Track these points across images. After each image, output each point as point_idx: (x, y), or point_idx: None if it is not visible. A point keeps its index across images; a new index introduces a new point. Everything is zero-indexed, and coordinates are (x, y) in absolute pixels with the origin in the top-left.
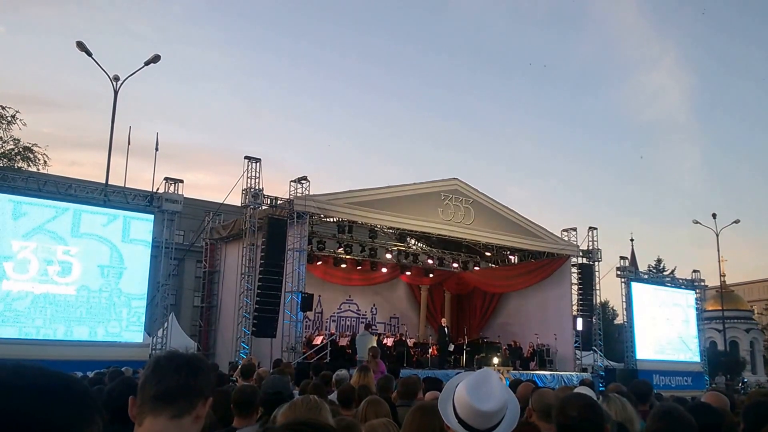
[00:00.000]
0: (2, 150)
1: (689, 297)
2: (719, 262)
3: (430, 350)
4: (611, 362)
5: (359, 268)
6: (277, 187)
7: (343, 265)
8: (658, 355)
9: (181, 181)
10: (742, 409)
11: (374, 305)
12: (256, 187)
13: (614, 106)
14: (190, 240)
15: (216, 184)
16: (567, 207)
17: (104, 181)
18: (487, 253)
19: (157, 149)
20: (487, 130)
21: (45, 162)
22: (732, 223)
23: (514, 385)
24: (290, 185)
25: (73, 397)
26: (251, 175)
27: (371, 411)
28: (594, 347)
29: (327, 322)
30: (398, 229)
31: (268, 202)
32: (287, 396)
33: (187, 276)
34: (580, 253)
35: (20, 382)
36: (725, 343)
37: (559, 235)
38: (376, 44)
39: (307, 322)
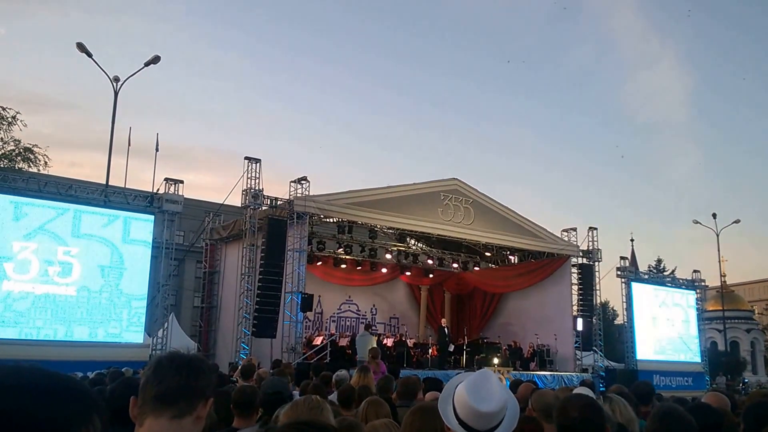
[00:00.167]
0: (3, 151)
1: (689, 297)
2: (719, 262)
3: (430, 351)
4: (611, 363)
5: (359, 268)
6: (277, 187)
7: (343, 266)
8: (659, 355)
9: (182, 182)
10: (742, 410)
11: (374, 305)
12: (256, 188)
13: (614, 106)
14: (190, 240)
15: (216, 185)
16: (567, 207)
17: (104, 182)
18: (487, 253)
19: (157, 150)
20: (487, 130)
21: (45, 163)
22: (732, 223)
23: (514, 385)
24: (290, 186)
25: (72, 397)
26: (251, 176)
27: (372, 411)
28: (594, 347)
29: (327, 322)
30: (398, 229)
31: (268, 203)
32: (287, 396)
33: (187, 276)
34: (580, 254)
35: (18, 381)
36: (726, 344)
37: (559, 235)
38: (377, 45)
39: (307, 322)
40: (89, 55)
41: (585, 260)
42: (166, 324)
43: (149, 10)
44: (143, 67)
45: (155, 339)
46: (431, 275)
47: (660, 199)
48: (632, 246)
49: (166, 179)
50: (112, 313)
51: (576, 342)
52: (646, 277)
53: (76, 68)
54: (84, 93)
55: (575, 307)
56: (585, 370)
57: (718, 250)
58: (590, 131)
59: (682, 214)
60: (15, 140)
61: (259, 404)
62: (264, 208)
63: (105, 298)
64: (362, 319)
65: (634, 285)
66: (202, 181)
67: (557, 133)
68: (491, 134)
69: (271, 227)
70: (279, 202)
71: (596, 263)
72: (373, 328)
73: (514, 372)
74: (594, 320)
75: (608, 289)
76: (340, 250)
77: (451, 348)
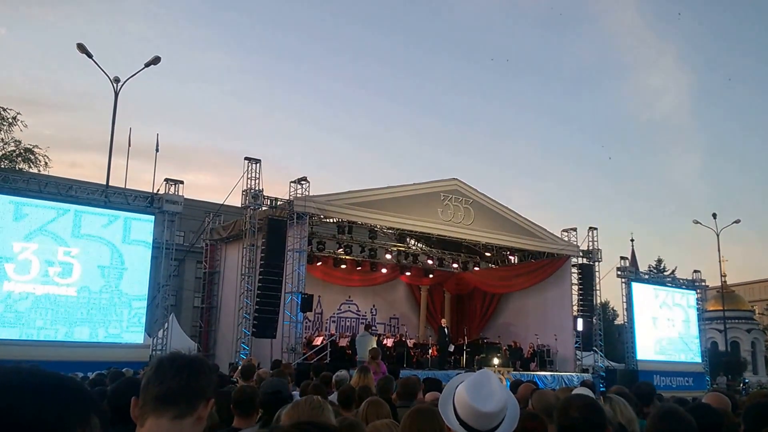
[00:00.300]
0: (3, 152)
1: (690, 297)
2: (720, 262)
3: (430, 351)
4: (612, 363)
5: (359, 268)
6: (277, 187)
7: (343, 266)
8: (659, 355)
9: (182, 182)
10: (742, 410)
11: (374, 306)
12: (256, 188)
13: (614, 107)
14: (190, 241)
15: (216, 185)
16: (567, 207)
17: (105, 183)
18: (487, 254)
19: (157, 150)
20: (486, 131)
21: (46, 163)
22: (732, 223)
23: (514, 386)
24: (290, 186)
25: (69, 397)
26: (251, 176)
27: (372, 412)
28: (594, 348)
29: (327, 322)
30: (398, 229)
31: (268, 203)
32: (286, 395)
33: (187, 277)
34: (580, 254)
35: (13, 381)
36: (726, 344)
37: (559, 236)
38: (376, 45)
39: (306, 322)
40: (90, 55)
41: (585, 260)
42: (166, 324)
43: (150, 11)
44: (143, 68)
45: (155, 339)
46: (431, 275)
47: (660, 199)
48: (632, 246)
49: (166, 180)
50: (112, 314)
51: (576, 342)
52: (647, 277)
53: (77, 69)
54: (84, 94)
55: (575, 308)
56: (585, 371)
57: (719, 250)
58: (590, 131)
59: (682, 214)
60: (15, 141)
61: (259, 404)
62: (264, 208)
63: (105, 298)
64: (362, 319)
65: (635, 285)
66: (202, 181)
67: (557, 133)
68: (491, 134)
69: (271, 227)
70: (279, 203)
71: (596, 263)
72: (373, 328)
73: (515, 372)
74: (594, 320)
75: (608, 289)
76: (340, 251)
77: (451, 348)
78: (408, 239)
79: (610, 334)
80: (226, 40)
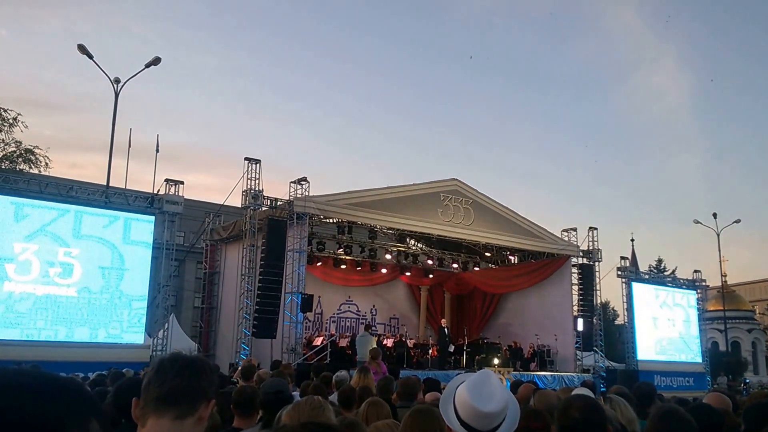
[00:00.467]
0: (4, 152)
1: (690, 297)
2: (720, 262)
3: (430, 351)
4: (612, 363)
5: (359, 268)
6: (277, 188)
7: (343, 266)
8: (660, 355)
9: (182, 183)
10: (743, 411)
11: (374, 306)
12: (256, 189)
13: (614, 107)
14: (190, 241)
15: (216, 186)
16: (567, 207)
17: (105, 183)
18: (487, 254)
19: (157, 151)
20: (486, 130)
21: (46, 164)
22: (733, 222)
23: (514, 386)
24: (290, 186)
25: (67, 397)
26: (251, 177)
27: (372, 412)
28: (595, 348)
29: (327, 323)
30: (398, 229)
31: (268, 203)
32: (287, 396)
33: (187, 277)
34: (581, 254)
35: (14, 381)
36: (727, 344)
37: (559, 236)
38: (376, 46)
39: (306, 323)
40: (90, 56)
41: (585, 260)
42: (166, 325)
43: (150, 12)
44: (144, 69)
45: (156, 340)
46: (431, 275)
47: (660, 199)
48: (632, 246)
49: (167, 180)
50: (112, 314)
51: (576, 342)
52: (647, 277)
53: (77, 70)
54: (85, 94)
55: (575, 308)
56: (586, 371)
57: (719, 250)
58: (590, 131)
59: (682, 214)
60: (16, 141)
61: (260, 405)
62: (264, 208)
63: (105, 299)
64: (362, 319)
65: (635, 285)
66: (202, 182)
67: (557, 133)
68: (491, 134)
69: (271, 228)
70: (279, 203)
71: (596, 263)
72: (373, 328)
73: (515, 372)
74: (594, 320)
75: (609, 289)
76: (340, 251)
77: (451, 348)
78: (408, 239)
79: (611, 335)
80: (227, 41)
